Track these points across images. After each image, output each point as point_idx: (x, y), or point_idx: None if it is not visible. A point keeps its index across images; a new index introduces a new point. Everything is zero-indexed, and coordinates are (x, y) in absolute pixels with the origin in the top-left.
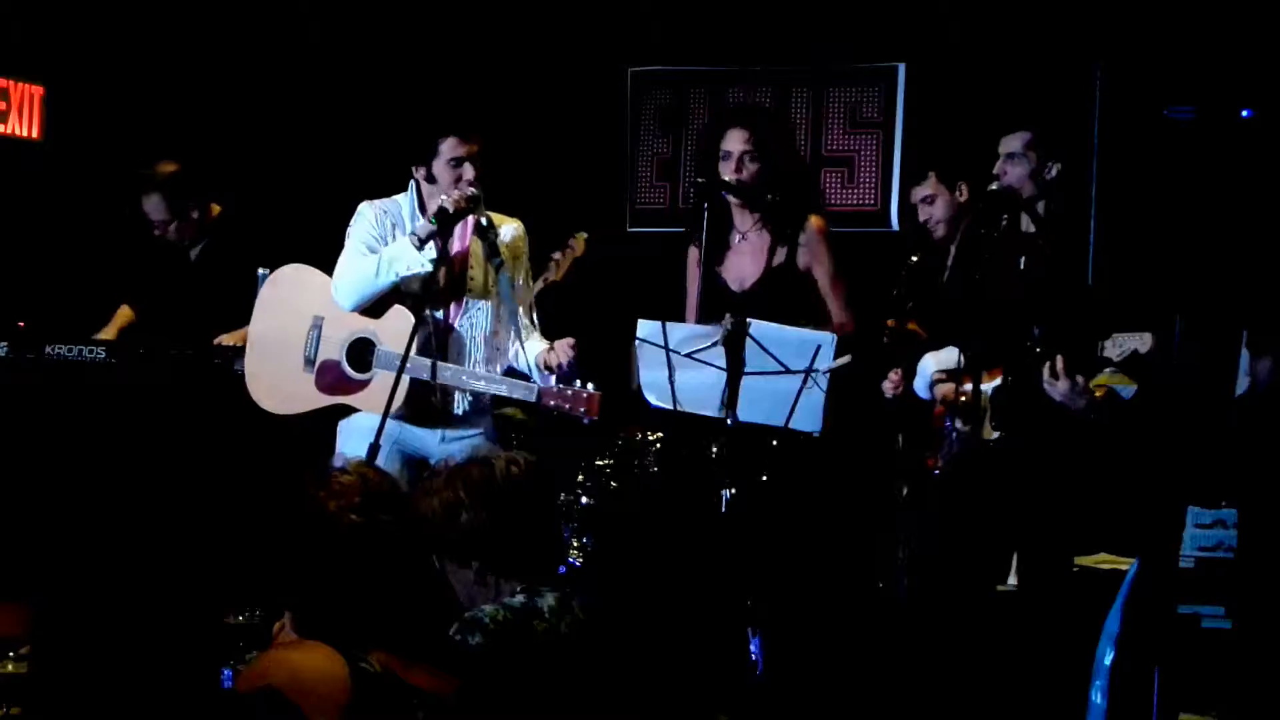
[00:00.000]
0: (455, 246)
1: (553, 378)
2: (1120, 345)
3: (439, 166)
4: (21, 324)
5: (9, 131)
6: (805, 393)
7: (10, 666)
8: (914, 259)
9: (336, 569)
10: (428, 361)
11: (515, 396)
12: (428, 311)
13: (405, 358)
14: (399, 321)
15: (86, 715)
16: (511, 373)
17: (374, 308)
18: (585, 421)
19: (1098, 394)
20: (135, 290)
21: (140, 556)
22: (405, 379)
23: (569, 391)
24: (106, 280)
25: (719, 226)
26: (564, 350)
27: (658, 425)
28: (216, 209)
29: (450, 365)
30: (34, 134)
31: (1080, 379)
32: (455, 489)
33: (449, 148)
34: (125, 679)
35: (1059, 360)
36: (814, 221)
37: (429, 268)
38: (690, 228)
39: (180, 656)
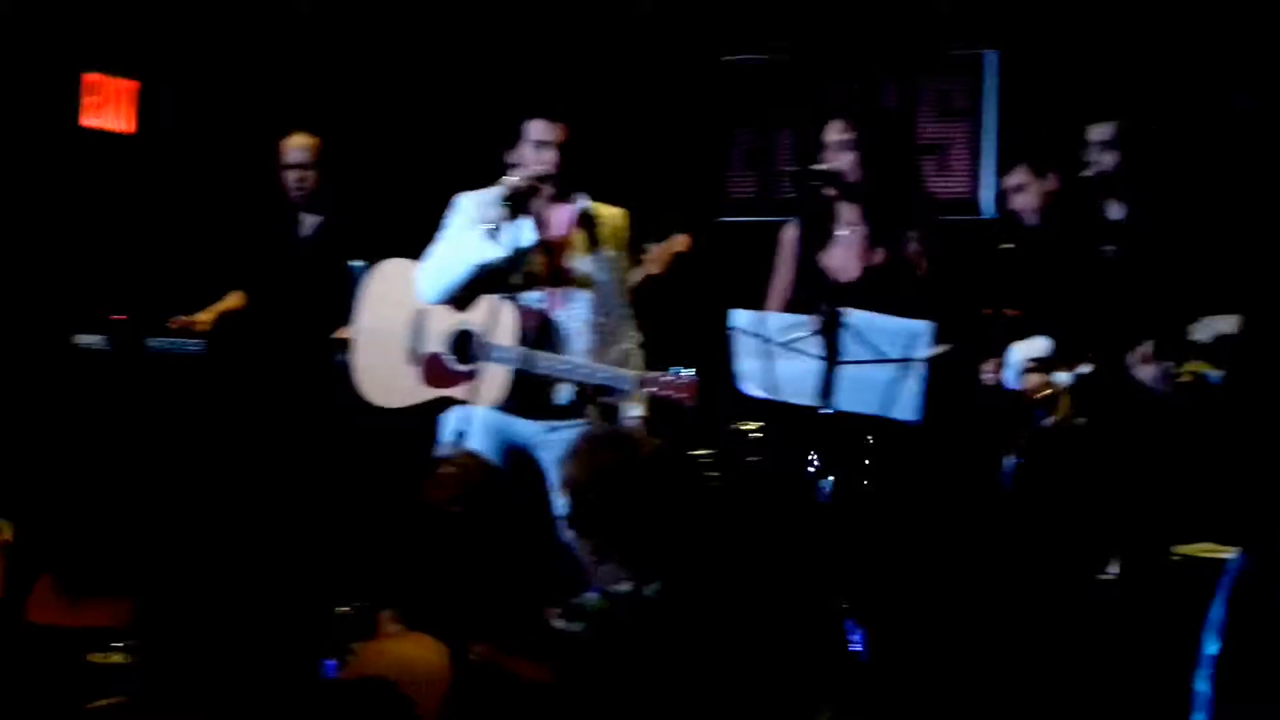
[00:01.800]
0: (557, 235)
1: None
2: (1208, 328)
3: (525, 150)
4: (123, 317)
5: (102, 125)
6: (903, 381)
7: (116, 657)
8: (1007, 246)
9: (439, 561)
10: (529, 351)
11: (613, 385)
12: (525, 301)
13: (502, 348)
14: (495, 312)
15: (189, 704)
16: None
17: (466, 299)
18: (684, 408)
19: (1185, 379)
20: (244, 275)
21: (244, 549)
22: (509, 371)
23: (666, 378)
24: (201, 271)
25: (823, 216)
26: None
27: (757, 415)
28: (338, 194)
29: (549, 355)
30: (128, 127)
31: (1168, 364)
32: (597, 461)
33: (533, 131)
34: (229, 669)
35: (1148, 345)
36: (919, 234)
37: (500, 255)
38: (793, 215)
39: (284, 647)
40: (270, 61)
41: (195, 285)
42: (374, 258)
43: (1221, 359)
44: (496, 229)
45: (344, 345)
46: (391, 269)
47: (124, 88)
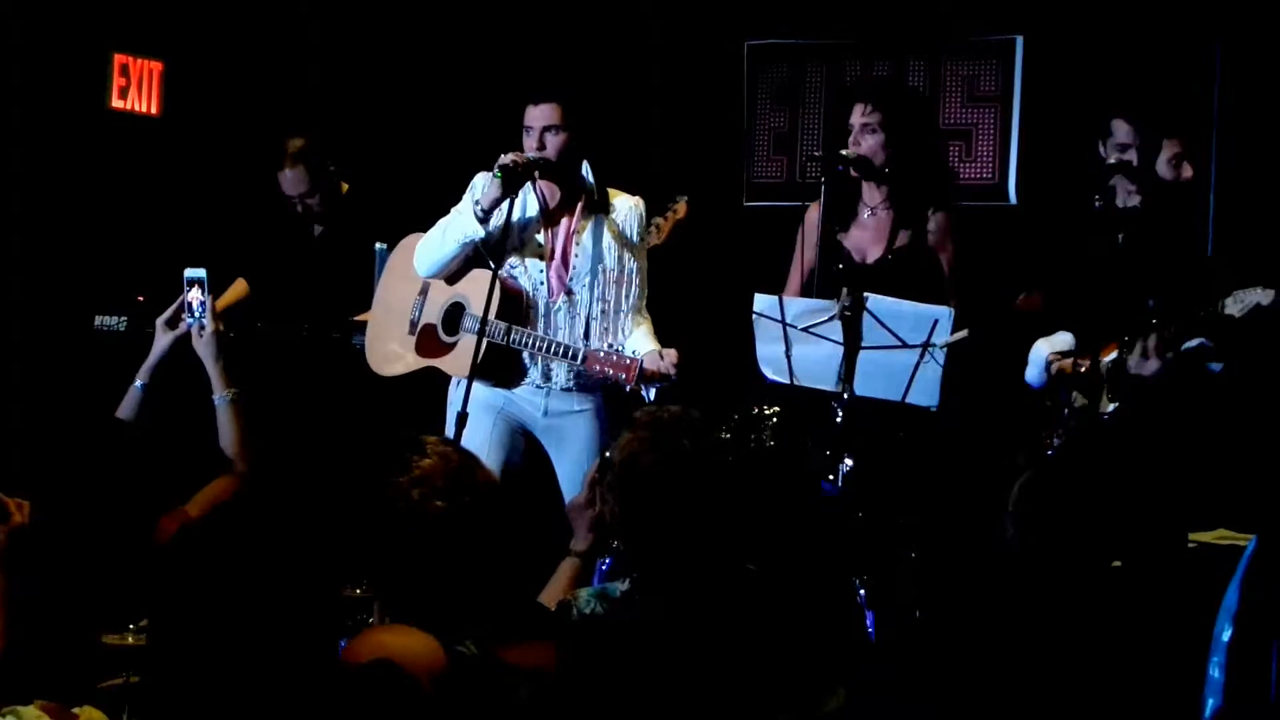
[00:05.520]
0: (561, 217)
1: (652, 389)
2: (1241, 300)
3: (524, 133)
4: (141, 299)
5: (129, 107)
6: (923, 367)
7: (131, 639)
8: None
9: (424, 559)
10: (503, 324)
11: (564, 357)
12: (516, 277)
13: (485, 321)
14: (483, 285)
15: (202, 687)
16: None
17: (463, 274)
18: (626, 389)
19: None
20: (257, 264)
21: (255, 530)
22: (483, 342)
23: (614, 356)
24: (226, 255)
25: (847, 198)
26: (669, 364)
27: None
28: (345, 186)
29: (518, 328)
30: (153, 110)
31: (1171, 357)
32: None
33: (527, 115)
34: (243, 654)
35: (1152, 340)
36: (941, 215)
37: (480, 234)
38: (820, 199)
39: (299, 629)
40: (297, 43)
41: (213, 271)
42: (389, 240)
43: (1257, 332)
44: (486, 206)
45: (361, 327)
46: (411, 244)
47: (150, 69)
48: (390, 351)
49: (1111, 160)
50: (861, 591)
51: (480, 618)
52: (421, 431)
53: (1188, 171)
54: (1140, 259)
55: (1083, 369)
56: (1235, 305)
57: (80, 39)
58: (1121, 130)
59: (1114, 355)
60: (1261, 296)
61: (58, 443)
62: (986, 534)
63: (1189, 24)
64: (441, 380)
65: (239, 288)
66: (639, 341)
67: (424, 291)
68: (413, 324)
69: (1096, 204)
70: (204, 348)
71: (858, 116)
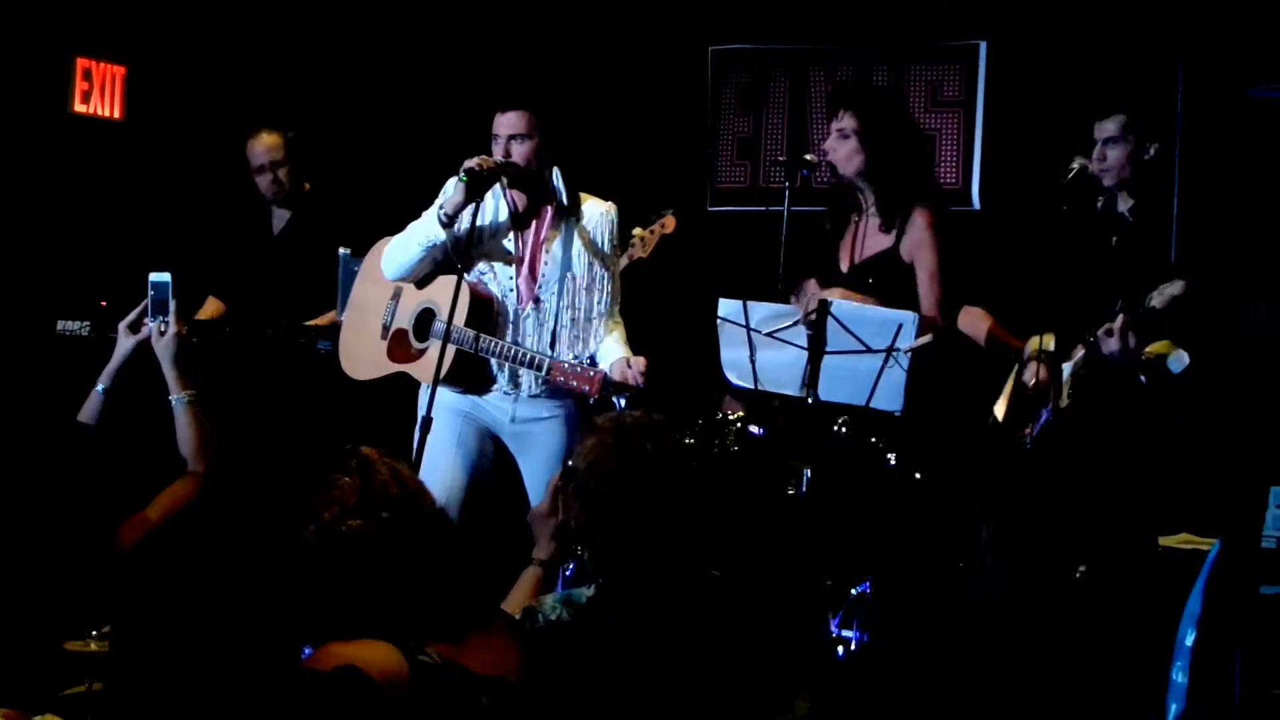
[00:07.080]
0: (531, 223)
1: (622, 398)
2: (1162, 293)
3: (493, 143)
4: (104, 304)
5: (91, 112)
6: (886, 372)
7: (93, 645)
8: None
9: (346, 580)
10: (471, 332)
11: (530, 367)
12: (486, 283)
13: (449, 328)
14: (453, 291)
15: (165, 692)
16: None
17: (431, 278)
18: (591, 401)
19: (1148, 357)
20: (219, 275)
21: (222, 536)
22: (450, 350)
23: (578, 369)
24: (189, 259)
25: (848, 206)
26: (636, 373)
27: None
28: (307, 185)
29: (486, 336)
30: (116, 114)
31: (1133, 339)
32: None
33: (495, 123)
34: (206, 658)
35: (1120, 319)
36: (921, 215)
37: (442, 237)
38: (785, 205)
39: (262, 635)
40: (260, 48)
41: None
42: (351, 245)
43: (1176, 323)
44: (450, 211)
45: (326, 333)
46: (384, 247)
47: (113, 74)
48: (362, 355)
49: (1075, 164)
50: (828, 598)
51: (430, 628)
52: (388, 437)
53: (1116, 159)
54: (1131, 262)
55: (1032, 386)
56: (1158, 298)
57: (43, 43)
58: (1108, 127)
59: (1081, 355)
60: (1174, 288)
61: (19, 447)
62: (957, 540)
63: (1152, 29)
64: (413, 384)
65: (213, 307)
66: (610, 349)
67: (396, 296)
68: (385, 328)
69: (1099, 206)
70: (163, 348)
71: (835, 123)
